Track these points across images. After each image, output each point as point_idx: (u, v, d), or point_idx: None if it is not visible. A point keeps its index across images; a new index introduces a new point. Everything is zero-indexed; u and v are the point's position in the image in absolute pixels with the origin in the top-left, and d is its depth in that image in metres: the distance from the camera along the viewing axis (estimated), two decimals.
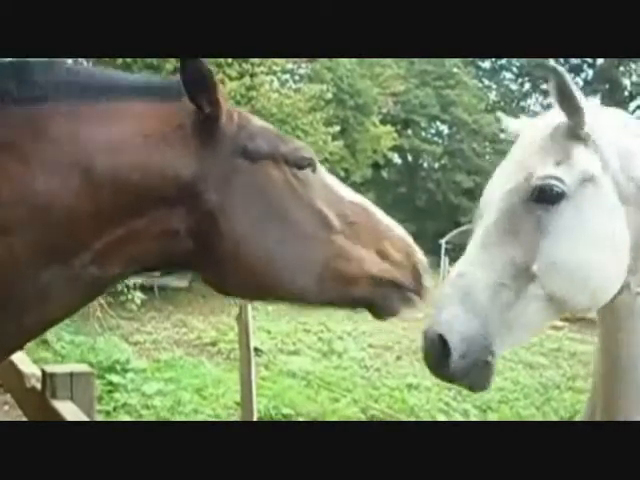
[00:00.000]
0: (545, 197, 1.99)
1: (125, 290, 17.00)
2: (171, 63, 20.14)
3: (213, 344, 17.65)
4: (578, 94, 1.99)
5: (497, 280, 1.97)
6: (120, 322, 18.64)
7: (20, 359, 2.61)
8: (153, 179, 1.92)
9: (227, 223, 1.98)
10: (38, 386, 2.20)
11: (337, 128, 31.02)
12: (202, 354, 16.69)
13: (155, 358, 15.24)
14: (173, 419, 9.93)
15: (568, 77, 1.99)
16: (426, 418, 11.31)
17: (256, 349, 6.39)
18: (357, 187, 26.49)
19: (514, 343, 2.05)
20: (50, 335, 13.41)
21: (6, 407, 8.77)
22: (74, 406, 1.98)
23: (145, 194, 1.92)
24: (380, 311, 2.25)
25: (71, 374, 2.04)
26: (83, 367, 2.12)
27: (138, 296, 17.43)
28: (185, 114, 2.00)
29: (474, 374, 1.97)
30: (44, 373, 2.10)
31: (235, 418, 10.63)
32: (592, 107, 2.07)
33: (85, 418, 1.89)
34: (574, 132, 2.01)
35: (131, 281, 16.89)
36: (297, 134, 28.91)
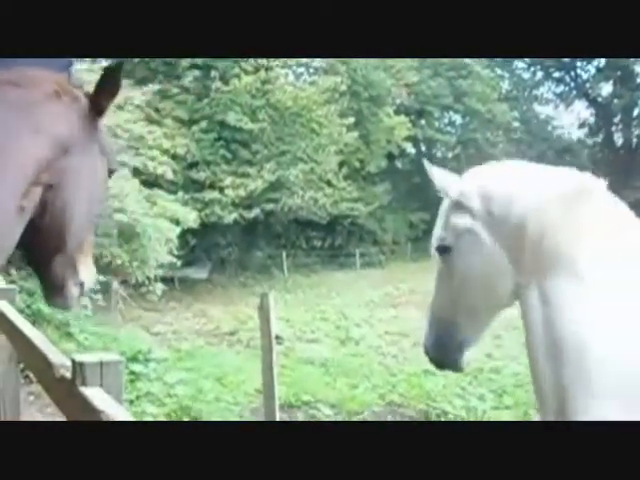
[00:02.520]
0: (440, 251, 2.77)
1: (146, 282, 17.22)
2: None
3: (233, 333, 17.83)
4: (440, 181, 2.79)
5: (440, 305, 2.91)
6: (141, 313, 18.88)
7: (49, 350, 2.63)
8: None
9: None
10: (67, 375, 2.19)
11: (352, 119, 31.02)
12: (222, 343, 16.88)
13: (176, 348, 15.46)
14: (195, 407, 10.13)
15: (431, 171, 2.82)
16: (443, 403, 11.41)
17: (277, 337, 6.55)
18: (372, 177, 26.73)
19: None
20: (73, 327, 13.64)
21: (31, 397, 8.96)
22: (104, 393, 1.98)
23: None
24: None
25: (101, 362, 2.04)
26: (112, 355, 2.12)
27: (159, 287, 17.63)
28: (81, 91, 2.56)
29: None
30: (74, 362, 2.08)
31: (256, 405, 10.78)
32: (471, 176, 2.78)
33: (115, 404, 1.92)
34: (450, 202, 2.75)
35: (152, 272, 17.14)
36: (312, 126, 28.95)
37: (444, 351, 2.89)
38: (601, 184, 2.56)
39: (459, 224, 2.69)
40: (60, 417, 7.23)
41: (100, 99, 2.52)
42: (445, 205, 2.82)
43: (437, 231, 2.83)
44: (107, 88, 2.51)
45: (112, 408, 1.87)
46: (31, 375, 8.85)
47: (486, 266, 2.65)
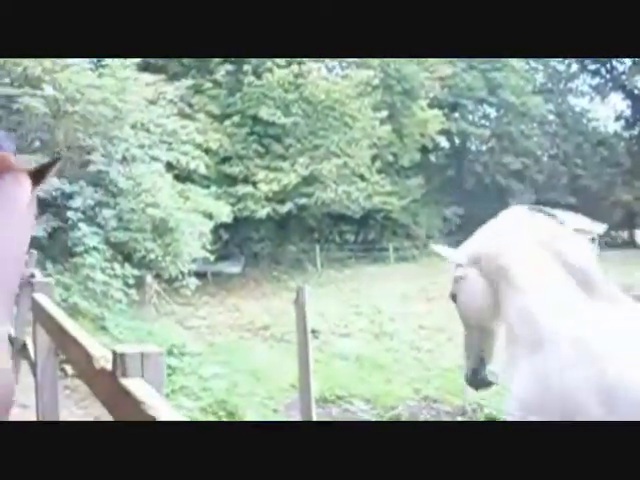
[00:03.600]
0: (453, 299, 4.11)
1: (179, 276, 17.30)
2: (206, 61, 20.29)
3: (266, 328, 17.86)
4: (446, 254, 4.25)
5: None
6: (175, 307, 18.98)
7: (89, 342, 2.65)
8: None
9: None
10: (108, 367, 2.19)
11: (385, 113, 30.89)
12: (255, 338, 16.91)
13: (210, 342, 15.51)
14: (230, 401, 10.14)
15: (438, 249, 4.38)
16: (478, 398, 11.33)
17: (313, 331, 6.49)
18: (405, 171, 26.54)
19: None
20: (108, 321, 13.75)
21: (67, 391, 9.01)
22: (145, 383, 1.97)
23: None
24: None
25: (142, 354, 2.03)
26: (153, 347, 2.10)
27: (192, 282, 17.71)
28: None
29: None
30: (114, 353, 2.08)
31: (289, 400, 10.79)
32: (469, 246, 4.12)
33: (156, 396, 1.90)
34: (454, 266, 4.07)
35: (185, 267, 17.21)
36: (345, 120, 28.91)
37: (477, 375, 4.12)
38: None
39: (458, 275, 4.04)
40: (97, 410, 7.19)
41: (38, 178, 3.41)
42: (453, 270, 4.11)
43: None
44: (45, 172, 3.44)
45: (153, 399, 1.86)
46: (67, 369, 8.90)
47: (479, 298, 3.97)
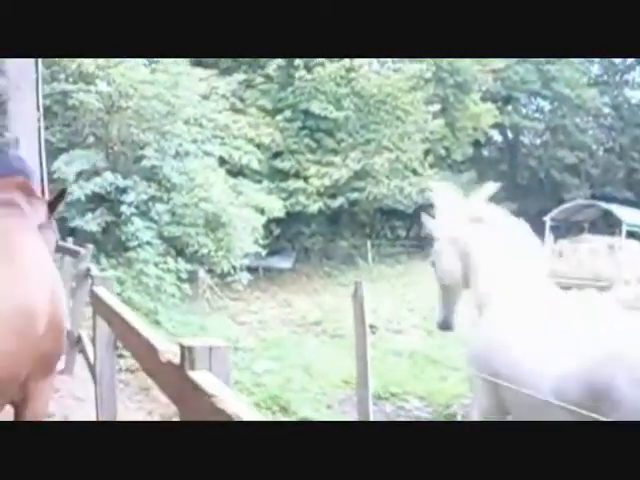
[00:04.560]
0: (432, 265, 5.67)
1: (231, 271, 17.33)
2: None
3: (317, 323, 17.76)
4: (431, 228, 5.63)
5: None
6: (227, 302, 19.02)
7: (153, 335, 2.68)
8: None
9: None
10: (174, 360, 2.21)
11: (437, 107, 30.71)
12: (307, 333, 16.82)
13: (262, 337, 15.47)
14: (283, 396, 10.07)
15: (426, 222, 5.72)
16: None
17: (371, 326, 6.40)
18: (458, 165, 26.38)
19: None
20: (161, 315, 13.81)
21: (121, 385, 9.04)
22: (213, 377, 1.99)
23: None
24: None
25: (209, 347, 2.06)
26: (219, 341, 2.12)
27: (244, 276, 17.76)
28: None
29: None
30: (182, 347, 2.09)
31: (342, 397, 10.69)
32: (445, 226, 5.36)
33: (226, 389, 1.92)
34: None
35: (237, 262, 17.24)
36: (397, 114, 28.77)
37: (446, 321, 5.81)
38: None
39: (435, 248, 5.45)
40: (150, 404, 7.17)
41: (52, 207, 4.35)
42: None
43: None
44: (57, 203, 4.44)
45: (223, 392, 1.87)
46: (120, 363, 8.93)
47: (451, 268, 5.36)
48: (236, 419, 1.72)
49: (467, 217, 5.18)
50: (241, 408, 1.77)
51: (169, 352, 2.33)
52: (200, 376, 2.00)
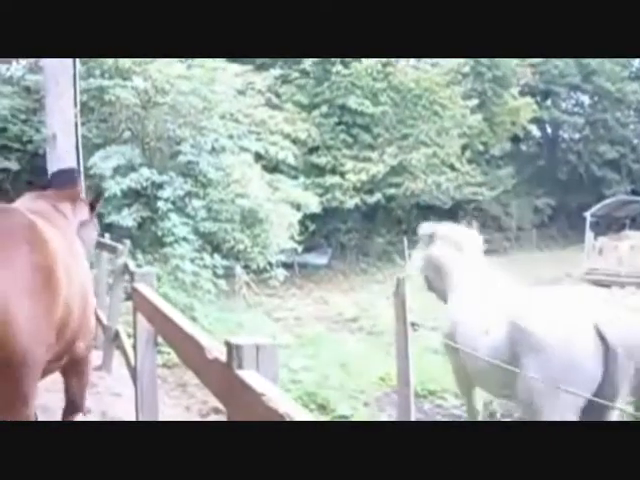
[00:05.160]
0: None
1: (267, 267, 17.28)
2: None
3: (354, 320, 17.65)
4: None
5: None
6: (263, 299, 18.98)
7: (198, 332, 2.68)
8: None
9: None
10: (221, 358, 2.20)
11: (475, 101, 30.60)
12: (344, 330, 16.71)
13: (298, 334, 15.38)
14: (320, 394, 9.97)
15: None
16: None
17: (412, 323, 6.24)
18: (496, 161, 26.12)
19: None
20: (198, 311, 13.77)
21: (158, 381, 9.02)
22: (260, 376, 1.98)
23: None
24: None
25: (257, 346, 2.04)
26: (267, 340, 2.11)
27: (280, 273, 17.69)
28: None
29: None
30: (229, 345, 2.08)
31: (379, 394, 10.59)
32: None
33: (274, 388, 1.90)
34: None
35: (273, 258, 17.17)
36: (435, 108, 28.68)
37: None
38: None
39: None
40: (186, 400, 7.09)
41: (92, 206, 5.06)
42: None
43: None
44: (96, 202, 5.17)
45: (272, 391, 1.87)
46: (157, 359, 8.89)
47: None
48: (287, 419, 1.70)
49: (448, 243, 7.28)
50: (292, 407, 1.76)
51: (215, 349, 2.33)
52: (248, 375, 1.99)
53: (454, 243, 7.15)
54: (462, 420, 8.93)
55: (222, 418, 7.54)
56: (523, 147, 44.50)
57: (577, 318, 5.31)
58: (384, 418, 9.05)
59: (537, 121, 39.87)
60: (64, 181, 5.05)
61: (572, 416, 5.00)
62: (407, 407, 6.73)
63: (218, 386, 2.32)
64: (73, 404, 4.41)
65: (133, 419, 4.75)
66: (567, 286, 7.53)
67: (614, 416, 5.12)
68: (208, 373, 2.43)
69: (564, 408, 5.07)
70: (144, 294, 4.06)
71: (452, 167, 29.78)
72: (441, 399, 10.85)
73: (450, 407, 10.48)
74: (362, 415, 9.24)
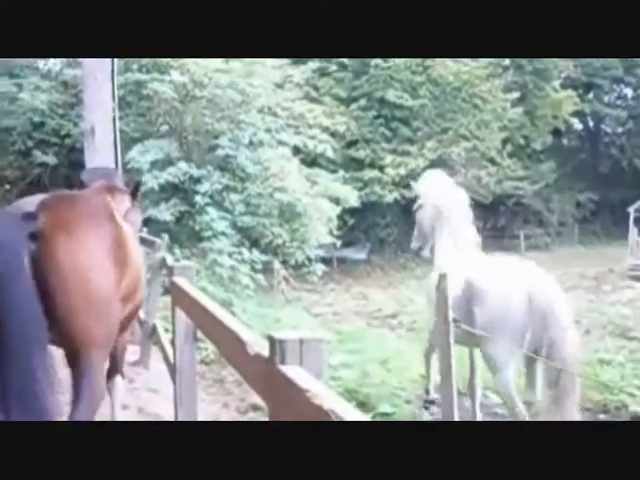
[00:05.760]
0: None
1: (306, 262, 17.17)
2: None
3: (394, 316, 17.47)
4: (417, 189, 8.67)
5: None
6: (301, 294, 18.89)
7: (240, 327, 2.65)
8: None
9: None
10: (263, 353, 2.16)
11: (516, 94, 30.28)
12: (383, 326, 16.54)
13: (337, 330, 15.22)
14: (360, 391, 9.79)
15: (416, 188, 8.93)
16: (621, 395, 10.55)
17: (454, 319, 6.05)
18: (537, 155, 25.77)
19: None
20: (236, 307, 13.67)
21: (196, 377, 8.94)
22: (304, 371, 1.94)
23: None
24: None
25: (301, 340, 2.00)
26: (312, 334, 2.07)
27: (319, 268, 17.58)
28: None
29: None
30: (272, 339, 2.03)
31: (421, 392, 10.40)
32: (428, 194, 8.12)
33: (319, 384, 1.86)
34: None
35: (312, 253, 17.05)
36: (475, 102, 28.47)
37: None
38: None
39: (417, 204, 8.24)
40: (224, 397, 6.94)
41: (133, 195, 5.31)
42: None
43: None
44: (136, 191, 5.42)
45: (316, 387, 1.81)
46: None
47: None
48: (334, 417, 1.64)
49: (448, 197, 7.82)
50: (338, 404, 1.70)
51: (257, 344, 2.29)
52: (292, 370, 1.95)
53: (434, 207, 7.86)
54: (506, 420, 8.72)
55: (261, 415, 7.46)
56: (565, 141, 44.05)
57: (515, 281, 6.57)
58: (426, 416, 8.84)
59: (579, 114, 39.40)
60: (98, 177, 5.39)
61: (512, 361, 6.62)
62: (450, 405, 6.57)
63: (260, 382, 2.29)
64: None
65: (171, 416, 4.75)
66: (512, 257, 8.01)
67: (540, 364, 6.49)
68: (249, 368, 2.40)
69: (506, 354, 6.54)
70: (183, 288, 4.05)
71: (492, 161, 29.53)
72: (483, 397, 10.63)
73: (492, 405, 10.27)
74: (404, 413, 9.03)
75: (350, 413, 1.67)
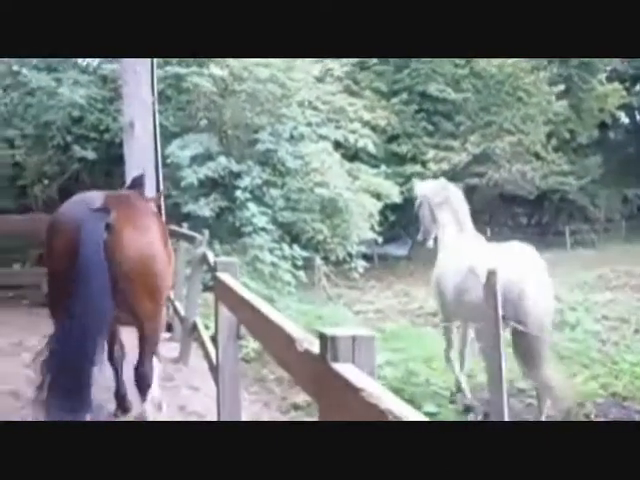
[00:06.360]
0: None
1: (347, 258, 17.02)
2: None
3: (436, 314, 17.18)
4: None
5: None
6: (342, 291, 18.72)
7: (288, 323, 2.63)
8: None
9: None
10: (313, 350, 2.12)
11: (561, 87, 29.88)
12: (426, 324, 16.29)
13: (379, 328, 15.01)
14: (405, 389, 9.58)
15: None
16: None
17: (504, 317, 5.86)
18: (583, 149, 25.27)
19: None
20: (278, 303, 13.56)
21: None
22: (356, 368, 1.90)
23: None
24: None
25: (353, 337, 1.95)
26: (365, 331, 2.03)
27: (360, 264, 17.44)
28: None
29: None
30: (323, 336, 1.99)
31: (465, 391, 10.18)
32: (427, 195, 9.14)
33: (373, 382, 1.82)
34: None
35: (353, 249, 16.87)
36: (519, 95, 28.24)
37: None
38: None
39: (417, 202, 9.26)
40: (266, 396, 6.76)
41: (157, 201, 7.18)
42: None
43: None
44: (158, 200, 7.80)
45: (370, 386, 1.79)
46: None
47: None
48: (391, 417, 1.61)
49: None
50: (395, 404, 1.67)
51: (306, 341, 2.26)
52: (344, 368, 1.92)
53: (435, 205, 8.67)
54: (555, 421, 8.47)
55: (303, 415, 7.39)
56: (611, 134, 43.29)
57: (505, 267, 6.77)
58: (471, 417, 8.62)
59: (626, 107, 38.68)
60: (139, 185, 6.17)
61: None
62: (500, 406, 6.37)
63: (309, 380, 2.28)
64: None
65: (212, 414, 4.81)
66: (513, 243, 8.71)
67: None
68: (298, 366, 2.38)
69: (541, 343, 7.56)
70: (227, 284, 4.06)
71: (537, 155, 29.18)
72: (532, 398, 10.39)
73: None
74: (449, 413, 8.82)
75: (408, 413, 1.64)
